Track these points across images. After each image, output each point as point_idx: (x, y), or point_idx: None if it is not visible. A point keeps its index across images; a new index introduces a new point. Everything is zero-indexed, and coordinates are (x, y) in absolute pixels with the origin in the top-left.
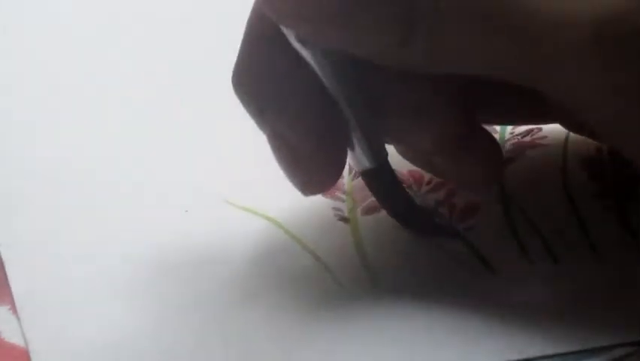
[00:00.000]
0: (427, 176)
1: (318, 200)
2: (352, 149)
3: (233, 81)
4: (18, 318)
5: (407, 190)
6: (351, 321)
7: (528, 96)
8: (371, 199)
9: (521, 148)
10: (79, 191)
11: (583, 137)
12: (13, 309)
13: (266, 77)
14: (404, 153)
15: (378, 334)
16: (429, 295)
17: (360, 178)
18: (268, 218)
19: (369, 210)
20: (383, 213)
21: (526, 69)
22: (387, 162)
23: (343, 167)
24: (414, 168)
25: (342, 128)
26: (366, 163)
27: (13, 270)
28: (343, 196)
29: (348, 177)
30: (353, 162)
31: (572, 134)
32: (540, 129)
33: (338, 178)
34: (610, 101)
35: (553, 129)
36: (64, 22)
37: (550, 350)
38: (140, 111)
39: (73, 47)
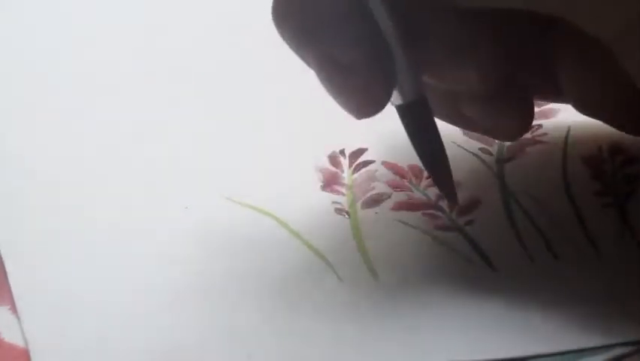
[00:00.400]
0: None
1: (319, 194)
2: (397, 81)
3: (275, 14)
4: (18, 318)
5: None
6: (352, 315)
7: (551, 69)
8: (371, 193)
9: (522, 145)
10: (79, 191)
11: (583, 135)
12: (13, 309)
13: (308, 8)
14: (436, 105)
15: (378, 328)
16: (429, 290)
17: (360, 172)
18: (268, 214)
19: (369, 204)
20: (384, 207)
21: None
22: (425, 97)
23: (392, 90)
24: (414, 163)
25: (388, 56)
26: (408, 95)
27: (13, 270)
28: (343, 190)
29: (349, 171)
30: (395, 94)
31: (572, 132)
32: (540, 126)
33: (388, 101)
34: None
35: (553, 127)
36: (64, 22)
37: (549, 349)
38: (140, 109)
39: (73, 46)
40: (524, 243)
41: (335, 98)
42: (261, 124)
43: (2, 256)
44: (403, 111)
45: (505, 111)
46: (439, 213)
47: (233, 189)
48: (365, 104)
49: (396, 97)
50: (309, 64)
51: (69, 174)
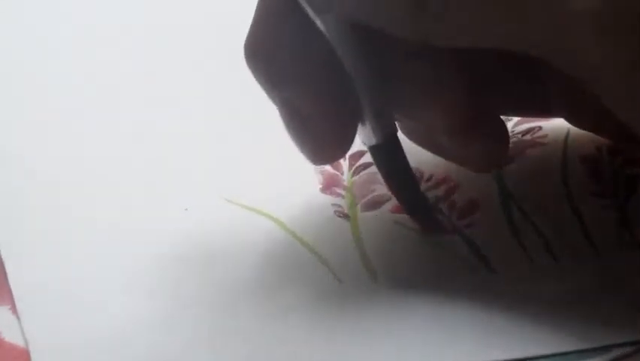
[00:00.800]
0: (426, 173)
1: (318, 197)
2: (363, 123)
3: (245, 52)
4: (18, 318)
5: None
6: (351, 317)
7: (535, 88)
8: (371, 195)
9: (521, 147)
10: (79, 191)
11: (583, 136)
12: (13, 309)
13: (279, 48)
14: (410, 133)
15: (378, 330)
16: (428, 292)
17: (360, 175)
18: (268, 215)
19: (369, 207)
20: (383, 209)
21: (539, 38)
22: (396, 138)
23: (352, 140)
24: (414, 165)
25: (353, 101)
26: (376, 138)
27: (13, 270)
28: (343, 193)
29: (348, 174)
30: (363, 137)
31: (571, 133)
32: (540, 128)
33: (347, 150)
34: (622, 74)
35: (553, 128)
36: (64, 22)
37: (549, 349)
38: (140, 110)
39: (73, 46)
40: (524, 244)
41: (294, 142)
42: (261, 125)
43: (2, 256)
44: (374, 152)
45: (476, 144)
46: (439, 216)
47: (232, 191)
48: (320, 154)
49: (366, 138)
50: (275, 104)
51: (69, 174)
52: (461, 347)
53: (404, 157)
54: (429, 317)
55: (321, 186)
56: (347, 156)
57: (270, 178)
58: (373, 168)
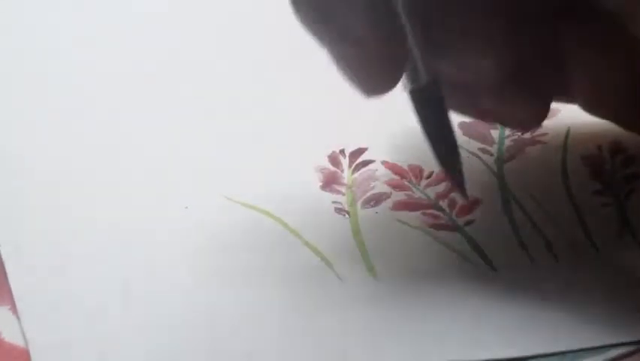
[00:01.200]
0: (426, 170)
1: (318, 194)
2: (410, 66)
3: None
4: (18, 318)
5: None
6: (351, 314)
7: (558, 65)
8: (371, 193)
9: (521, 145)
10: (79, 191)
11: (583, 135)
12: (13, 309)
13: None
14: (450, 98)
15: (378, 327)
16: (428, 289)
17: (360, 172)
18: (268, 213)
19: (369, 204)
20: (383, 206)
21: None
22: (439, 85)
23: (403, 71)
24: (414, 163)
25: (402, 38)
26: (421, 80)
27: (13, 270)
28: (343, 190)
29: (348, 171)
30: (406, 79)
31: (572, 132)
32: (540, 126)
33: (397, 82)
34: None
35: (553, 127)
36: (64, 22)
37: (549, 349)
38: (140, 109)
39: (73, 46)
40: (524, 243)
41: (345, 75)
42: (261, 124)
43: (2, 256)
44: (416, 96)
45: (520, 99)
46: (439, 213)
47: (233, 189)
48: (374, 81)
49: (409, 82)
50: (323, 42)
51: (69, 174)
52: (461, 345)
53: (443, 104)
54: (429, 314)
55: (321, 183)
56: (347, 153)
57: (270, 176)
58: (373, 166)
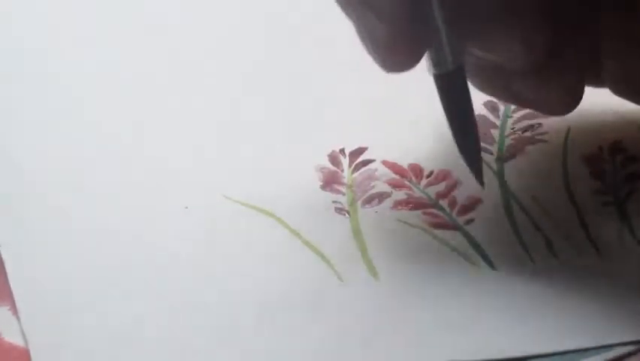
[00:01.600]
0: (426, 169)
1: (318, 194)
2: (435, 49)
3: None
4: (18, 318)
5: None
6: (351, 314)
7: (592, 48)
8: (371, 192)
9: (522, 144)
10: (79, 191)
11: (584, 134)
12: (13, 309)
13: None
14: (480, 77)
15: (378, 327)
16: (429, 288)
17: (360, 171)
18: (268, 213)
19: (369, 204)
20: (383, 206)
21: None
22: (463, 70)
23: (424, 51)
24: (414, 161)
25: (428, 22)
26: (448, 64)
27: (13, 270)
28: (343, 189)
29: (348, 171)
30: (432, 63)
31: (572, 131)
32: (541, 125)
33: (418, 60)
34: None
35: (554, 126)
36: (64, 22)
37: (549, 348)
38: (139, 109)
39: (72, 46)
40: (524, 242)
41: (368, 48)
42: (261, 123)
43: (2, 256)
44: (441, 81)
45: (552, 84)
46: (439, 213)
47: (233, 189)
48: (396, 57)
49: (434, 66)
50: (349, 14)
51: (69, 175)
52: (461, 345)
53: (468, 90)
54: (429, 313)
55: (321, 183)
56: (347, 153)
57: (271, 175)
58: (373, 165)
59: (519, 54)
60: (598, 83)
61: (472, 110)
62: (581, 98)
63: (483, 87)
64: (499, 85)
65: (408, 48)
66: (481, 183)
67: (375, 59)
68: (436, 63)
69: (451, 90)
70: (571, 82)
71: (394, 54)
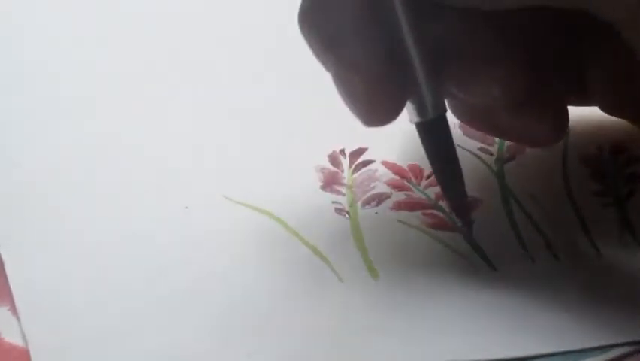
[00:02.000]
0: (426, 170)
1: (318, 194)
2: (415, 97)
3: (299, 18)
4: (18, 318)
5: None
6: (351, 315)
7: (574, 73)
8: (371, 192)
9: (522, 145)
10: (78, 191)
11: (583, 135)
12: (13, 310)
13: (334, 15)
14: (465, 114)
15: (378, 328)
16: (428, 290)
17: (360, 172)
18: (268, 213)
19: (369, 204)
20: (383, 206)
21: None
22: (445, 117)
23: (404, 103)
24: (413, 162)
25: (407, 72)
26: (429, 113)
27: (13, 270)
28: (343, 190)
29: (349, 171)
30: (414, 111)
31: (572, 132)
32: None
33: (398, 112)
34: None
35: None
36: (64, 21)
37: (549, 349)
38: (139, 109)
39: (72, 46)
40: (524, 243)
41: (347, 103)
42: (261, 124)
43: (2, 256)
44: (423, 129)
45: (536, 118)
46: (439, 213)
47: (232, 189)
48: (375, 112)
49: (415, 114)
50: (328, 68)
51: (69, 174)
52: (461, 345)
53: (451, 136)
54: (428, 314)
55: (321, 183)
56: (347, 153)
57: (271, 176)
58: (373, 166)
59: (498, 97)
60: (586, 103)
61: (455, 155)
62: (567, 125)
63: (471, 125)
64: (484, 121)
65: (387, 101)
66: (466, 223)
67: (354, 113)
68: (418, 112)
69: (434, 137)
70: (555, 111)
71: (373, 109)
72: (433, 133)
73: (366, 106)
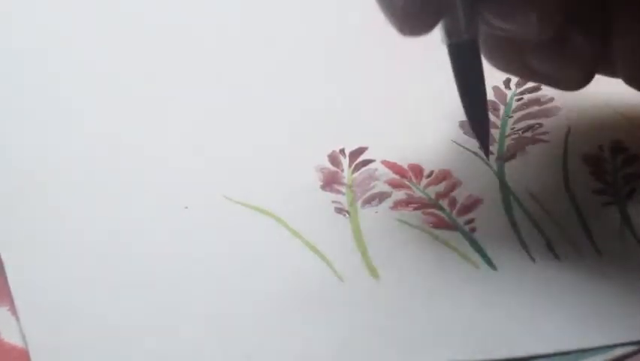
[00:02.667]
0: (427, 169)
1: (318, 194)
2: (450, 17)
3: None
4: (17, 318)
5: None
6: (351, 314)
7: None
8: (371, 192)
9: (522, 144)
10: (79, 191)
11: (584, 134)
12: (13, 310)
13: None
14: (494, 53)
15: (378, 327)
16: (429, 289)
17: (360, 171)
18: (268, 213)
19: (369, 204)
20: (383, 206)
21: None
22: (477, 41)
23: (439, 20)
24: (414, 161)
25: None
26: (462, 34)
27: (13, 270)
28: (343, 189)
29: (348, 171)
30: (448, 32)
31: (572, 131)
32: (541, 125)
33: (432, 28)
34: None
35: (554, 126)
36: (64, 21)
37: (549, 349)
38: (139, 109)
39: (72, 46)
40: (525, 242)
41: (386, 13)
42: (261, 123)
43: (2, 256)
44: (454, 51)
45: (567, 59)
46: (439, 213)
47: (232, 189)
48: (411, 21)
49: (448, 35)
50: None
51: (69, 175)
52: (461, 345)
53: (481, 62)
54: (429, 313)
55: (321, 183)
56: (347, 153)
57: (271, 176)
58: (373, 165)
59: (535, 24)
60: (610, 71)
61: (483, 82)
62: (593, 75)
63: (497, 61)
64: (513, 58)
65: (423, 14)
66: (487, 154)
67: (391, 23)
68: (450, 33)
69: (464, 61)
70: (584, 57)
71: (410, 19)
72: (464, 56)
73: (403, 15)
